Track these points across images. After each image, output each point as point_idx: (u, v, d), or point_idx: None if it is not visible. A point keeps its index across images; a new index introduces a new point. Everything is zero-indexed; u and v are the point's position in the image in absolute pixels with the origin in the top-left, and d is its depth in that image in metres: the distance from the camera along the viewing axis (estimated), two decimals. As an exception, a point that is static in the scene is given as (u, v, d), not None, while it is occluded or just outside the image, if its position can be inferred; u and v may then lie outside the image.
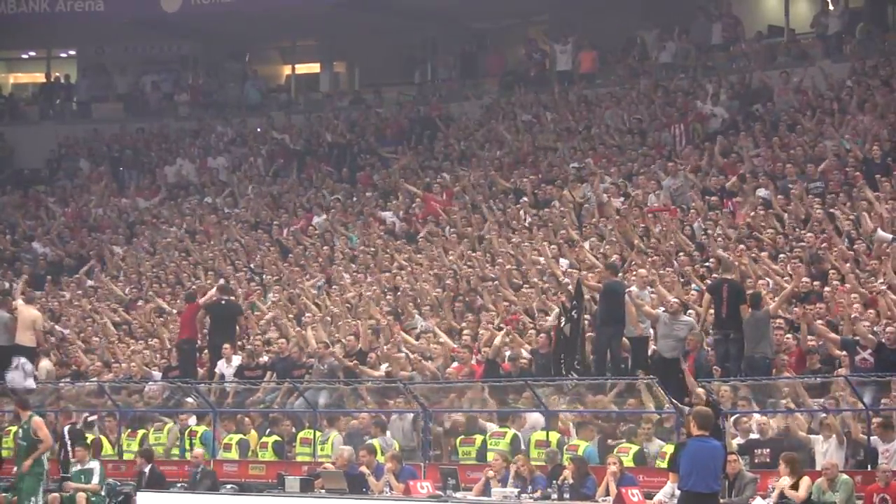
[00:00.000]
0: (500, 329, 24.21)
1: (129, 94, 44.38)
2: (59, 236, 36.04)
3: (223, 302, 26.54)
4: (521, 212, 29.69)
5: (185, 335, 26.52)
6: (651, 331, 22.59)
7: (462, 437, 22.28)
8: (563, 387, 22.06)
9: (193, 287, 28.75)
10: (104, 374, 27.08)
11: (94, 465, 22.20)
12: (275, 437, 23.70)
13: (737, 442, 19.96)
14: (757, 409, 20.56)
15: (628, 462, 20.06)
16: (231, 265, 31.17)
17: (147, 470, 22.42)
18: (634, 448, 20.57)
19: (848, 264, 23.08)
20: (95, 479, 22.02)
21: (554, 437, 21.44)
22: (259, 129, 40.58)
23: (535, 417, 22.19)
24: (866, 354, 20.45)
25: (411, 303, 26.53)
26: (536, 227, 28.61)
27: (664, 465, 19.73)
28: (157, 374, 26.61)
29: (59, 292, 32.27)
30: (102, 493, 22.15)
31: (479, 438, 22.02)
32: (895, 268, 22.41)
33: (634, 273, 23.60)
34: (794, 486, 17.92)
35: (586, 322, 23.36)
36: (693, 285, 24.13)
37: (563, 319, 22.64)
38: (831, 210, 25.63)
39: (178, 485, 22.34)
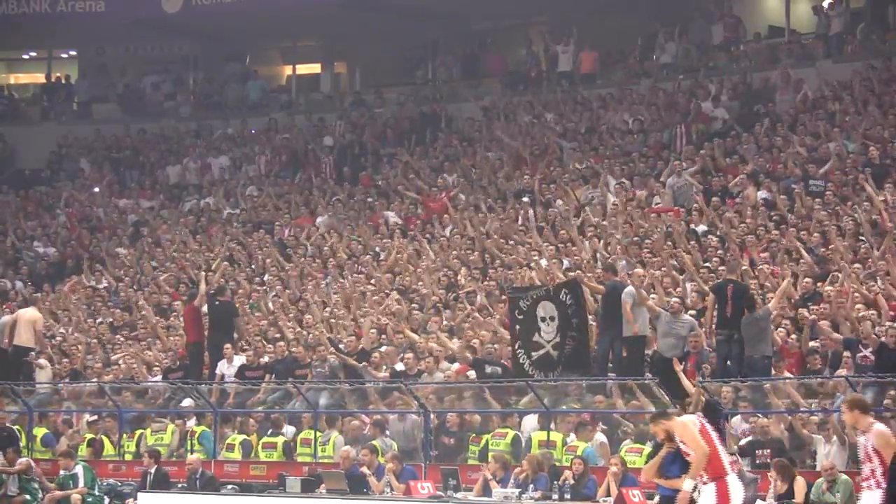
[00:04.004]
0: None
1: (129, 94, 44.38)
2: (60, 237, 36.04)
3: (217, 303, 26.47)
4: (522, 212, 29.66)
5: (190, 338, 26.49)
6: (648, 330, 22.58)
7: (473, 434, 22.28)
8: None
9: (194, 289, 28.73)
10: (104, 374, 27.07)
11: (78, 469, 22.21)
12: (283, 438, 23.68)
13: (745, 441, 19.97)
14: (757, 409, 20.54)
15: (640, 462, 20.06)
16: (231, 266, 31.13)
17: (153, 470, 22.39)
18: (648, 449, 20.56)
19: (856, 265, 23.06)
20: (81, 483, 22.05)
21: (556, 436, 21.47)
22: (254, 131, 40.59)
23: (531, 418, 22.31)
24: (867, 352, 20.47)
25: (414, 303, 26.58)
26: (537, 227, 28.60)
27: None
28: (158, 376, 26.63)
29: (61, 292, 32.28)
30: (96, 493, 22.16)
31: (484, 438, 22.02)
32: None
33: (631, 273, 23.59)
34: (789, 492, 17.90)
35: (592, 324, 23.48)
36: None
37: (522, 304, 22.63)
38: (834, 209, 25.66)
39: (179, 485, 22.33)
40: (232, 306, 26.96)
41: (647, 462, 17.88)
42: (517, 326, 22.73)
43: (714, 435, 14.60)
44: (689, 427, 14.51)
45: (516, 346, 22.65)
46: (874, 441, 13.37)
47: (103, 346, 28.49)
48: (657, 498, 18.32)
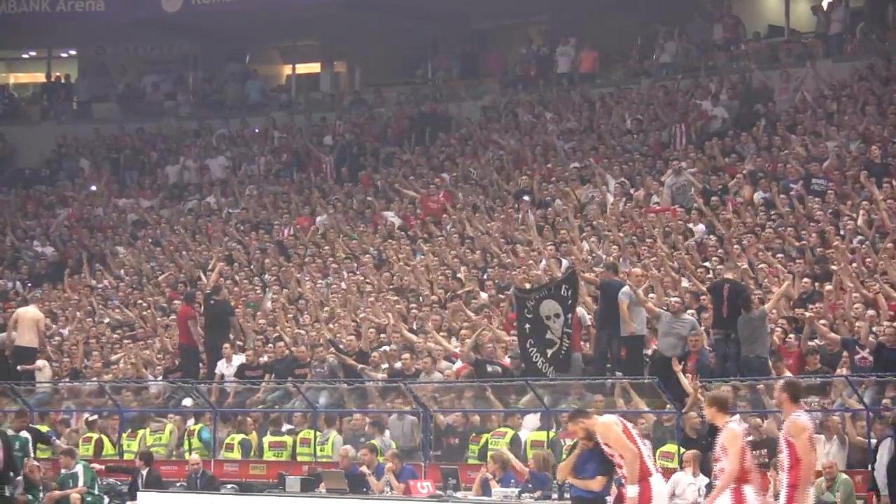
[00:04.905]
0: (501, 329, 24.33)
1: (129, 94, 44.38)
2: (60, 237, 36.05)
3: (213, 302, 26.46)
4: (522, 212, 29.65)
5: (184, 339, 26.49)
6: (646, 330, 22.59)
7: (472, 434, 22.31)
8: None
9: (192, 289, 28.72)
10: (104, 374, 27.07)
11: (78, 468, 22.21)
12: (291, 437, 23.69)
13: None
14: (756, 409, 20.53)
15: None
16: (230, 266, 31.14)
17: (145, 472, 22.37)
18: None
19: (854, 264, 23.06)
20: (80, 482, 22.05)
21: (551, 437, 21.49)
22: (256, 130, 40.60)
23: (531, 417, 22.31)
24: (865, 353, 20.48)
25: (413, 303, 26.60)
26: (536, 227, 28.60)
27: (671, 464, 19.74)
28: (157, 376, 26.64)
29: (60, 292, 32.29)
30: (96, 492, 22.18)
31: (484, 437, 22.04)
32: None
33: (629, 272, 23.61)
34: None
35: (589, 321, 23.47)
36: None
37: (529, 305, 22.67)
38: (835, 208, 25.67)
39: (178, 483, 22.34)
40: (228, 305, 26.94)
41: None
42: (527, 326, 22.74)
43: (636, 435, 14.41)
44: (613, 428, 14.25)
45: (528, 345, 22.67)
46: (723, 438, 13.40)
47: (103, 346, 28.48)
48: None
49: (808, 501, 13.27)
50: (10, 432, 22.02)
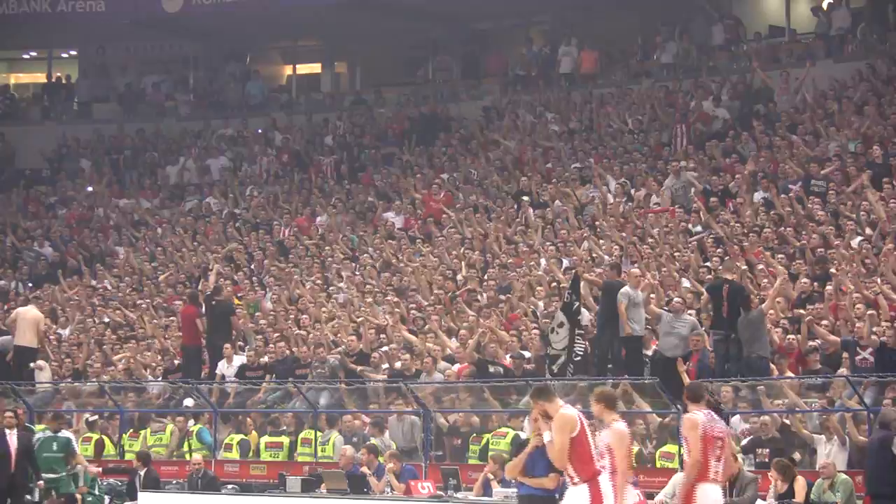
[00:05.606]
0: (501, 329, 24.36)
1: (129, 94, 44.36)
2: (60, 237, 36.04)
3: (213, 302, 26.46)
4: (522, 212, 29.65)
5: (187, 340, 26.48)
6: (645, 331, 22.58)
7: (473, 434, 22.31)
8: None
9: (193, 290, 28.72)
10: (104, 374, 27.06)
11: (78, 469, 22.19)
12: (287, 438, 23.65)
13: (747, 441, 19.98)
14: (756, 409, 20.53)
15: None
16: (230, 266, 31.13)
17: (143, 473, 22.35)
18: (634, 449, 20.56)
19: (854, 265, 23.05)
20: (80, 482, 22.03)
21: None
22: (259, 131, 40.60)
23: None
24: (866, 354, 20.47)
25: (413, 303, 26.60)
26: (537, 227, 28.60)
27: (671, 465, 19.74)
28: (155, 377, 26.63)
29: (60, 292, 32.27)
30: (96, 493, 22.17)
31: (485, 437, 22.05)
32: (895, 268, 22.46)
33: (627, 272, 23.63)
34: (789, 492, 17.90)
35: (590, 322, 23.48)
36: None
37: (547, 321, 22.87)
38: (835, 209, 25.66)
39: (175, 482, 22.32)
40: (229, 305, 26.95)
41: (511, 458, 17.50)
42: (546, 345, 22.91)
43: (589, 433, 14.23)
44: (565, 430, 13.56)
45: (546, 362, 22.78)
46: (609, 438, 13.38)
47: (103, 347, 28.47)
48: (657, 498, 18.45)
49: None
50: (47, 433, 21.97)
